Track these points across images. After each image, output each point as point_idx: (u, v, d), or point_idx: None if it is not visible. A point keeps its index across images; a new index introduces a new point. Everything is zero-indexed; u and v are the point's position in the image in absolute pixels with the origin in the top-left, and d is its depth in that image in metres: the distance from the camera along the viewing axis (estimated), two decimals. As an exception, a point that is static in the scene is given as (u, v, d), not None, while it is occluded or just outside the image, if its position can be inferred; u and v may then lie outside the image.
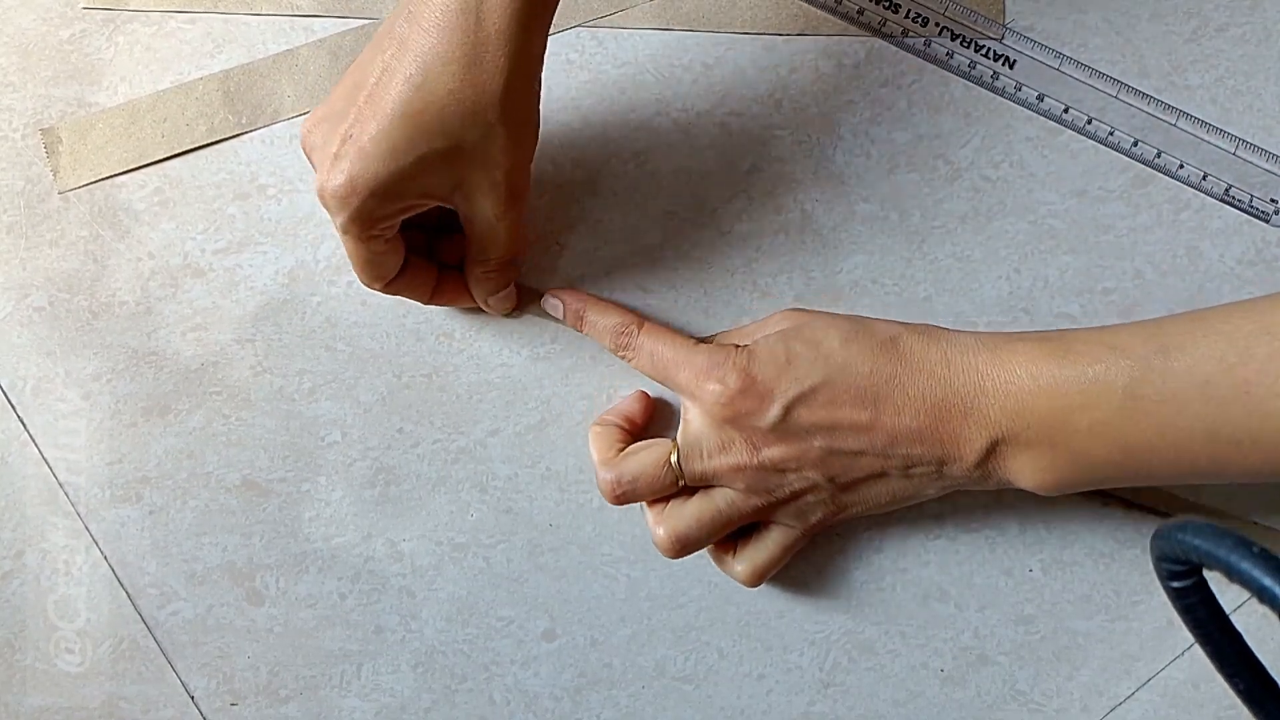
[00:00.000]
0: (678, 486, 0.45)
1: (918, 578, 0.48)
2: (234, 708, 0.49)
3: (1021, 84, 0.49)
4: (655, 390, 0.49)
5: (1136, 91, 0.49)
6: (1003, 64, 0.50)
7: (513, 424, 0.49)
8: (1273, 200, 0.49)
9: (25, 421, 0.50)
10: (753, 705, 0.48)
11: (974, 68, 0.50)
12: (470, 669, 0.49)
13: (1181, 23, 0.50)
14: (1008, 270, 0.49)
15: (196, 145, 0.50)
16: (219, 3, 0.51)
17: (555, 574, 0.49)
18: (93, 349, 0.50)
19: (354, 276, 0.49)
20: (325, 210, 0.42)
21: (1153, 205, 0.49)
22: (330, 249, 0.50)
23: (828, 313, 0.47)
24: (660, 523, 0.45)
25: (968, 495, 0.48)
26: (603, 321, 0.47)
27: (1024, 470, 0.42)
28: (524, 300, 0.48)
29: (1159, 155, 0.49)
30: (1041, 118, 0.50)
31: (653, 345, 0.46)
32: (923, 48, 0.50)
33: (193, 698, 0.49)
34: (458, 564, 0.49)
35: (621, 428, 0.47)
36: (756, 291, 0.49)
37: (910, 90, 0.50)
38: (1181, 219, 0.49)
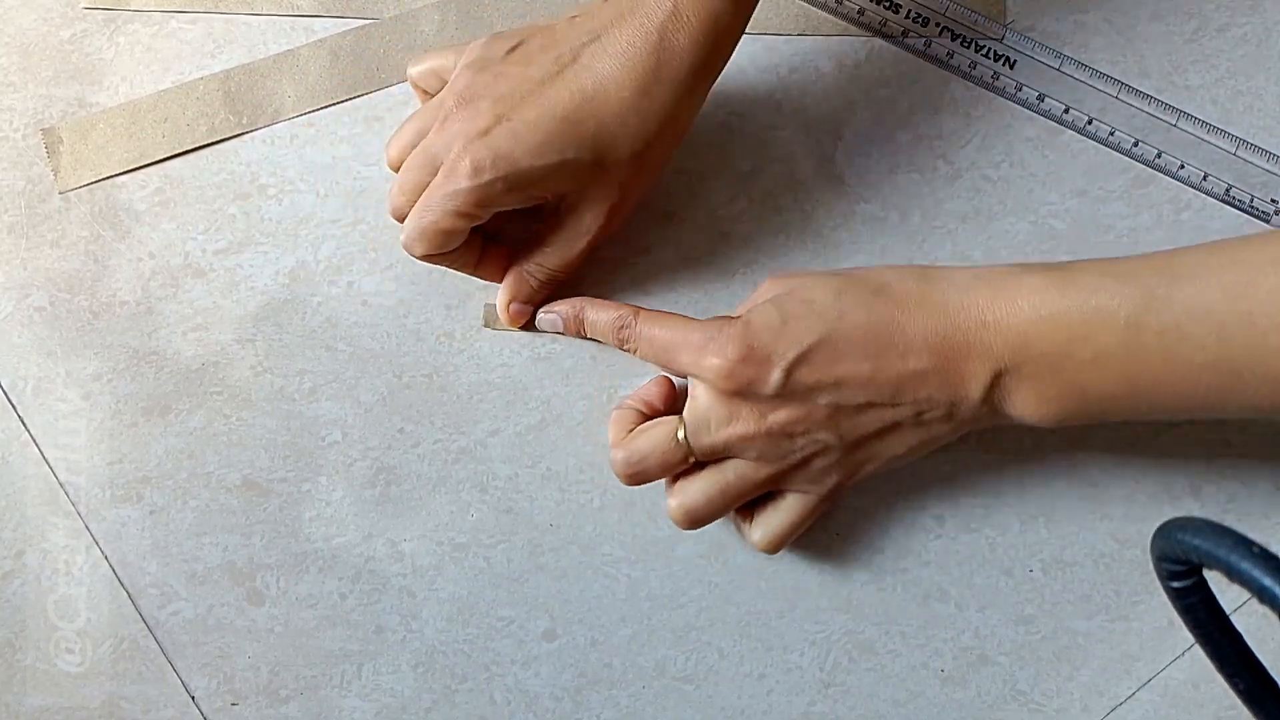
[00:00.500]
0: (688, 462, 0.45)
1: (918, 578, 0.48)
2: (234, 708, 0.49)
3: (1022, 84, 0.49)
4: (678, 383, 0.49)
5: (1137, 92, 0.49)
6: (1003, 64, 0.50)
7: (513, 424, 0.49)
8: (1273, 200, 0.49)
9: (26, 421, 0.50)
10: (753, 705, 0.48)
11: (974, 68, 0.50)
12: (471, 669, 0.49)
13: (1182, 23, 0.50)
14: (1008, 270, 0.49)
15: (197, 145, 0.50)
16: (220, 3, 0.51)
17: (556, 574, 0.49)
18: (93, 349, 0.50)
19: (355, 277, 0.49)
20: (429, 168, 0.43)
21: (1153, 205, 0.49)
22: (331, 249, 0.50)
23: (815, 271, 0.46)
24: (672, 497, 0.45)
25: (968, 494, 0.48)
26: (601, 318, 0.47)
27: (1028, 402, 0.42)
28: (532, 322, 0.49)
29: (1159, 155, 0.49)
30: (1042, 118, 0.50)
31: (651, 331, 0.46)
32: (923, 48, 0.50)
33: (193, 698, 0.49)
34: (458, 564, 0.49)
35: (640, 412, 0.47)
36: (757, 291, 0.49)
37: (911, 90, 0.50)
38: (1182, 219, 0.49)
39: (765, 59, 0.50)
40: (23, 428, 0.50)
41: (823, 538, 0.48)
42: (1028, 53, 0.50)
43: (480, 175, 0.42)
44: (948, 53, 0.50)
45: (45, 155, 0.50)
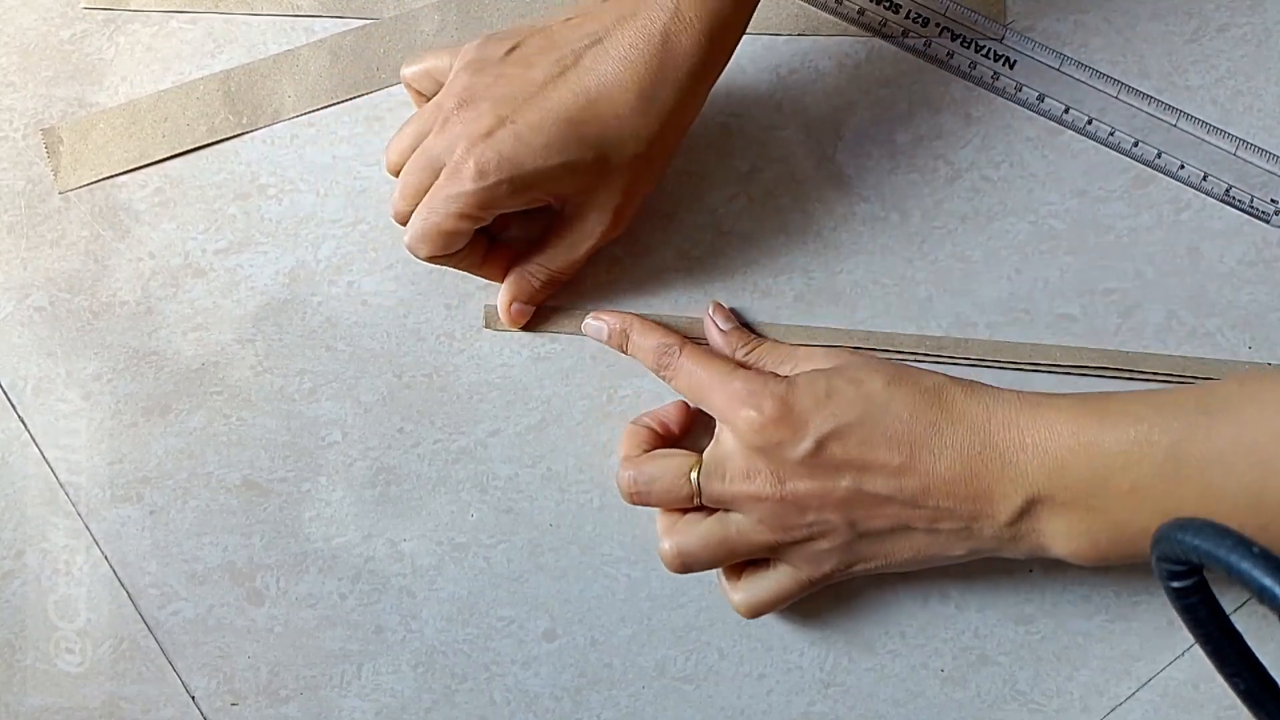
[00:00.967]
0: (693, 503, 0.44)
1: (918, 578, 0.48)
2: (234, 708, 0.49)
3: (1022, 84, 0.50)
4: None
5: (1137, 92, 0.49)
6: (1003, 64, 0.50)
7: (513, 424, 0.49)
8: (1273, 200, 0.49)
9: (26, 421, 0.50)
10: (753, 705, 0.48)
11: (974, 68, 0.50)
12: (471, 669, 0.49)
13: (1181, 23, 0.50)
14: (1008, 270, 0.49)
15: (197, 145, 0.50)
16: (220, 3, 0.51)
17: (556, 574, 0.49)
18: (93, 349, 0.50)
19: (355, 277, 0.49)
20: (430, 171, 0.43)
21: (1153, 206, 0.49)
22: (331, 249, 0.50)
23: (874, 357, 0.46)
24: (668, 536, 0.45)
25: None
26: (646, 342, 0.47)
27: (1059, 534, 0.41)
28: (533, 322, 0.49)
29: (1159, 155, 0.49)
30: (1042, 118, 0.50)
31: (692, 366, 0.45)
32: (923, 48, 0.50)
33: (193, 698, 0.49)
34: (458, 564, 0.49)
35: (655, 431, 0.47)
36: (757, 292, 0.49)
37: (910, 90, 0.50)
38: (1182, 219, 0.49)
39: (765, 59, 0.50)
40: (23, 428, 0.50)
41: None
42: (1028, 53, 0.50)
43: (484, 178, 0.42)
44: (948, 53, 0.50)
45: (45, 155, 0.50)
